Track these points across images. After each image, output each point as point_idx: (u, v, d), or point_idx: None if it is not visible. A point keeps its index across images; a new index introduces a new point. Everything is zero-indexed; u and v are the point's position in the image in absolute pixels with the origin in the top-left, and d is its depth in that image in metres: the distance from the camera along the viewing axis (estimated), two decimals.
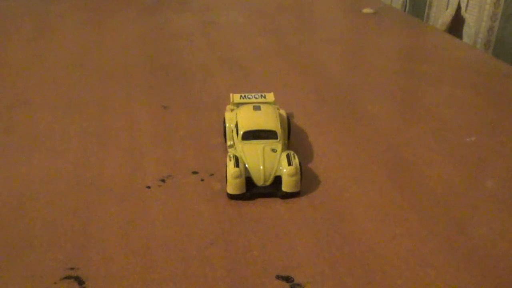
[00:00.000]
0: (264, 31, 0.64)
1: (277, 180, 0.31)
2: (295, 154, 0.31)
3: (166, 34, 0.63)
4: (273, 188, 0.31)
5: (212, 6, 0.76)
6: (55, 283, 0.24)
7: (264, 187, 0.31)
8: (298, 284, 0.24)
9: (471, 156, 0.36)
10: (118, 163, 0.34)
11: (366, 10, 0.75)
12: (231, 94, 0.38)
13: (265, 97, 0.37)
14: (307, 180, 0.32)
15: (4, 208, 0.30)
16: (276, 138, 0.32)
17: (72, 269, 0.25)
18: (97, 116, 0.41)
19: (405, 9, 0.84)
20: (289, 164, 0.30)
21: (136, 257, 0.26)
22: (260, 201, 0.30)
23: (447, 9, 0.72)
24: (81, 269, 0.25)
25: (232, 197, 0.31)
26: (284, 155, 0.31)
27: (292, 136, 0.38)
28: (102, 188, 0.31)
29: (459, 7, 0.69)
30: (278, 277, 0.24)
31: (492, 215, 0.29)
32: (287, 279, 0.24)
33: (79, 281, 0.24)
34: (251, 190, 0.31)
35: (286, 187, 0.30)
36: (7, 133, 0.39)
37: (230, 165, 0.30)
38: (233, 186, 0.30)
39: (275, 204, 0.30)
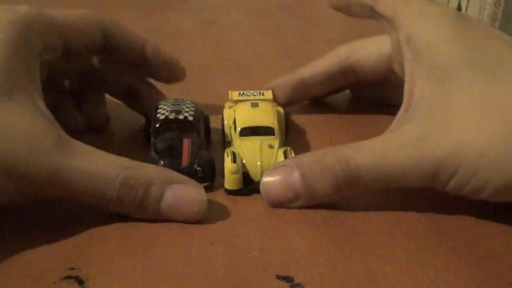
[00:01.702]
0: (264, 31, 0.64)
1: None
2: (292, 150, 0.32)
3: (166, 34, 0.63)
4: None
5: (212, 5, 0.76)
6: (55, 283, 0.24)
7: None
8: (298, 284, 0.24)
9: None
10: None
11: None
12: (229, 92, 0.38)
13: (263, 95, 0.37)
14: None
15: (5, 208, 0.30)
16: (274, 134, 0.33)
17: (72, 269, 0.25)
18: None
19: None
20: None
21: (136, 257, 0.26)
22: (260, 201, 0.30)
23: None
24: (81, 269, 0.25)
25: (229, 192, 0.31)
26: (281, 151, 0.32)
27: (291, 136, 0.38)
28: None
29: (459, 7, 0.69)
30: (278, 277, 0.24)
31: (492, 215, 0.29)
32: (287, 279, 0.24)
33: (79, 281, 0.24)
34: (248, 186, 0.31)
35: None
36: None
37: (228, 160, 0.31)
38: (230, 181, 0.30)
39: None
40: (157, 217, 0.28)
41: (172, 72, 0.39)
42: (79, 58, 0.36)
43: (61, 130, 0.28)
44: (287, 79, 0.40)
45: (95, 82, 0.38)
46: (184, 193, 0.28)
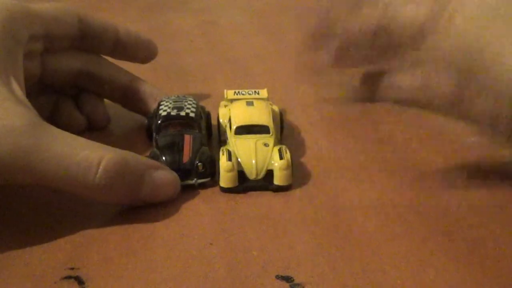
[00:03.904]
0: (264, 31, 0.64)
1: (269, 173, 0.31)
2: (287, 149, 0.32)
3: (166, 34, 0.63)
4: (265, 182, 0.31)
5: (212, 5, 0.76)
6: (55, 283, 0.24)
7: (256, 181, 0.31)
8: (298, 284, 0.24)
9: (471, 156, 0.36)
10: None
11: None
12: (225, 90, 0.38)
13: (258, 93, 0.37)
14: (307, 181, 0.32)
15: (5, 208, 0.30)
16: (269, 133, 0.33)
17: (72, 269, 0.25)
18: None
19: None
20: (281, 158, 0.31)
21: (136, 257, 0.26)
22: (259, 201, 0.30)
23: None
24: (81, 269, 0.25)
25: (224, 190, 0.31)
26: (276, 149, 0.32)
27: (291, 135, 0.38)
28: None
29: None
30: (278, 277, 0.24)
31: (492, 215, 0.29)
32: (287, 279, 0.24)
33: (79, 281, 0.24)
34: (243, 184, 0.31)
35: (277, 180, 0.31)
36: None
37: (223, 159, 0.31)
38: (225, 179, 0.31)
39: (275, 204, 0.30)
40: (136, 203, 0.28)
41: (146, 49, 0.40)
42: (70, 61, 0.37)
43: (35, 115, 0.27)
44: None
45: (91, 87, 0.38)
46: (164, 177, 0.29)
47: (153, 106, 0.37)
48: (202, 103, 0.37)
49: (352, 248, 0.26)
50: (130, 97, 0.39)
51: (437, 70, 0.28)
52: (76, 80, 0.37)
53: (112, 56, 0.39)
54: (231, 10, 0.74)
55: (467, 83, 0.27)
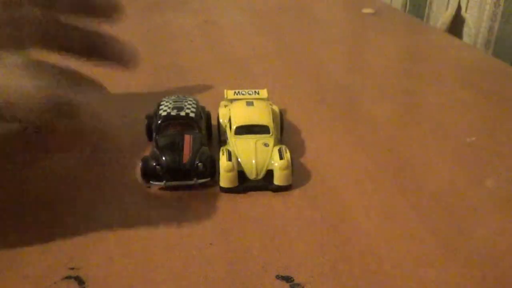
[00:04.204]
0: (264, 31, 0.64)
1: (269, 173, 0.31)
2: (286, 149, 0.32)
3: (166, 34, 0.63)
4: (265, 182, 0.31)
5: (212, 5, 0.76)
6: (55, 283, 0.24)
7: (257, 181, 0.31)
8: (298, 284, 0.24)
9: (471, 156, 0.36)
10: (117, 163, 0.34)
11: (366, 10, 0.75)
12: (225, 90, 0.38)
13: (258, 94, 0.38)
14: (307, 181, 0.32)
15: (5, 208, 0.30)
16: (269, 133, 0.33)
17: (72, 269, 0.25)
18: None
19: (405, 9, 0.84)
20: (281, 158, 0.31)
21: (136, 257, 0.26)
22: (259, 201, 0.30)
23: (447, 9, 0.72)
24: (81, 269, 0.25)
25: (224, 190, 0.31)
26: (276, 149, 0.32)
27: (291, 136, 0.38)
28: (102, 187, 0.31)
29: (459, 7, 0.69)
30: (278, 277, 0.24)
31: (492, 215, 0.29)
32: (287, 279, 0.24)
33: (79, 281, 0.24)
34: (244, 184, 0.31)
35: (277, 180, 0.31)
36: None
37: (223, 159, 0.31)
38: (225, 179, 0.31)
39: (275, 204, 0.30)
40: None
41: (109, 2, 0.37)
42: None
43: None
44: None
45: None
46: None
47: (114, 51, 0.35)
48: (202, 103, 0.37)
49: (352, 248, 0.26)
50: (94, 45, 0.36)
51: None
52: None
53: (76, 14, 0.36)
54: (231, 10, 0.74)
55: None
